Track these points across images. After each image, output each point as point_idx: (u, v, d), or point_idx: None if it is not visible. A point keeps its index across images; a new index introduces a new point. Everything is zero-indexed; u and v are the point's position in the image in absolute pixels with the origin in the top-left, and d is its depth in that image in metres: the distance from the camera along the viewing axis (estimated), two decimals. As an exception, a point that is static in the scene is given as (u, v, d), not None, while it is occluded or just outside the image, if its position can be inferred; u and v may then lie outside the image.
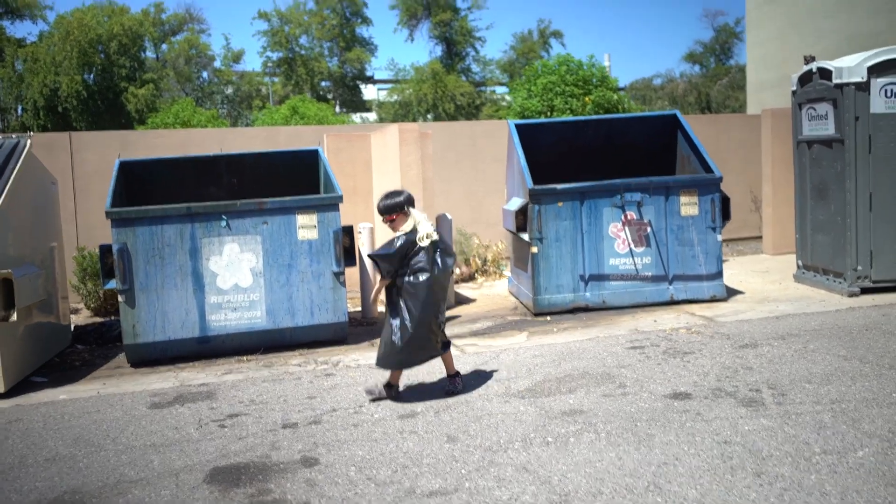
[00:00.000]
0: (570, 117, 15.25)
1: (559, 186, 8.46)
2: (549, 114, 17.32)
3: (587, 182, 8.58)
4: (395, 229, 5.68)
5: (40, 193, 7.87)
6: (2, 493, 4.47)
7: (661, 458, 4.42)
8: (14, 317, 6.58)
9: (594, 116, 11.64)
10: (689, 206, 8.63)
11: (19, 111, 41.44)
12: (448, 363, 5.90)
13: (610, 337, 7.44)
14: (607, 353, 6.85)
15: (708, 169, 8.87)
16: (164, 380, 6.85)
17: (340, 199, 7.68)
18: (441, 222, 9.34)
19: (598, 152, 9.84)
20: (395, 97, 48.12)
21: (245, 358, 7.39)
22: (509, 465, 4.45)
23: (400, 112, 45.29)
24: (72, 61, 37.05)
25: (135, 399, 6.28)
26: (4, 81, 40.55)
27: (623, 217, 8.56)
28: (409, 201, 5.72)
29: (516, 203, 8.88)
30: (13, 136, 7.72)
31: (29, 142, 7.60)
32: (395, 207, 5.66)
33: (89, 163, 11.29)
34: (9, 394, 6.56)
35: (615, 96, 17.97)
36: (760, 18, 21.54)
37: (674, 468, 4.27)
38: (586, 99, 17.16)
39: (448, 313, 8.94)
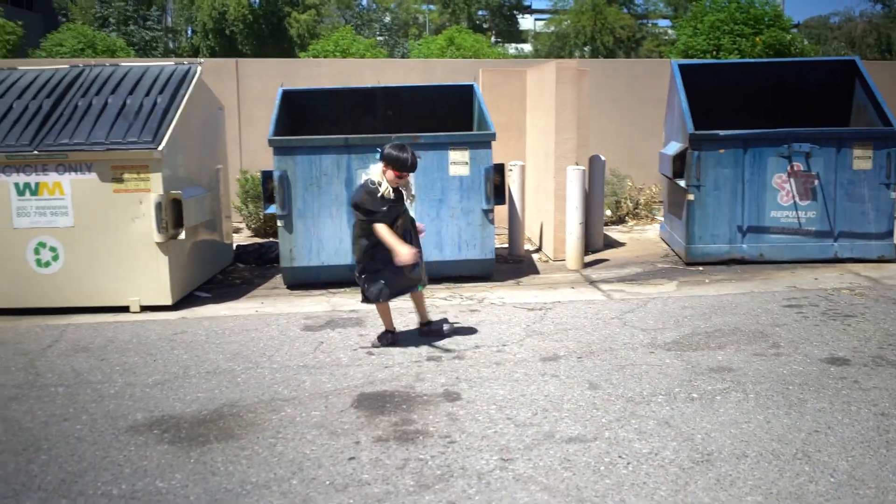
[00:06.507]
0: (738, 59, 14.56)
1: (722, 132, 8.12)
2: (715, 53, 16.59)
3: (752, 129, 8.21)
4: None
5: (209, 118, 8.24)
6: (167, 401, 4.81)
7: (812, 425, 4.25)
8: (182, 235, 6.98)
9: (763, 60, 11.08)
10: (862, 159, 8.10)
11: (189, 33, 43.42)
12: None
13: (766, 293, 7.17)
14: (762, 309, 6.60)
15: (886, 121, 8.27)
16: (316, 304, 7.13)
17: (493, 136, 7.66)
18: (594, 163, 9.18)
19: (766, 98, 9.36)
20: (552, 28, 47.24)
21: (393, 288, 7.57)
22: (651, 418, 4.40)
23: (556, 44, 44.47)
24: (240, -15, 38.29)
25: (289, 320, 6.58)
26: (176, 4, 42.47)
27: (789, 168, 8.14)
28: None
29: (674, 147, 8.59)
30: (185, 62, 8.07)
31: (199, 69, 7.93)
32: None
33: (254, 89, 11.72)
34: (176, 306, 7.01)
35: (787, 37, 16.97)
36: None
37: (825, 437, 4.10)
38: (756, 39, 16.28)
39: (595, 257, 8.88)
